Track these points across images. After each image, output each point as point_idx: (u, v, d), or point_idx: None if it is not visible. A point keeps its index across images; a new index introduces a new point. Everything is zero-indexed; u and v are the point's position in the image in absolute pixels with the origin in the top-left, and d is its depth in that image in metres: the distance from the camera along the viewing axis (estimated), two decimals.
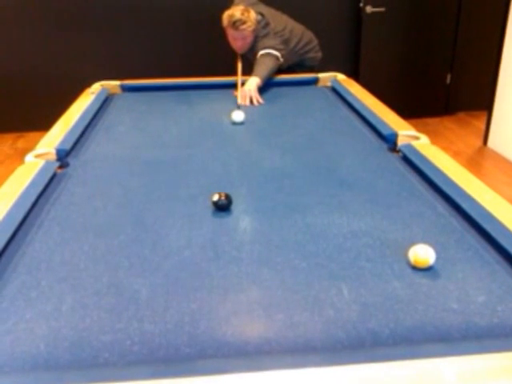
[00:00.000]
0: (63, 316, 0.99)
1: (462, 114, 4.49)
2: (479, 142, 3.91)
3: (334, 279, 1.08)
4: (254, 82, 2.47)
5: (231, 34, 2.73)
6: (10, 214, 1.31)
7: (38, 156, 1.71)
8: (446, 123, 4.35)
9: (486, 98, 3.85)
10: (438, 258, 1.12)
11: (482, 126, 3.94)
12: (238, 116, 2.09)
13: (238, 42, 2.74)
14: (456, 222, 1.29)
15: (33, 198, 1.42)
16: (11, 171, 1.60)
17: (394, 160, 1.69)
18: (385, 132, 1.83)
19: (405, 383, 0.78)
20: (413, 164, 1.61)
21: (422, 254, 1.10)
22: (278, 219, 1.34)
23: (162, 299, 1.03)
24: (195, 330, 0.95)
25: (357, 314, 0.97)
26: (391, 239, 1.23)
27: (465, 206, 1.31)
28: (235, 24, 2.64)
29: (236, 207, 1.40)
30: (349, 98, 2.30)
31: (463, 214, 1.30)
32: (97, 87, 2.58)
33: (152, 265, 1.15)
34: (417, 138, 1.76)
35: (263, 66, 2.61)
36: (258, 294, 1.05)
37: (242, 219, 1.35)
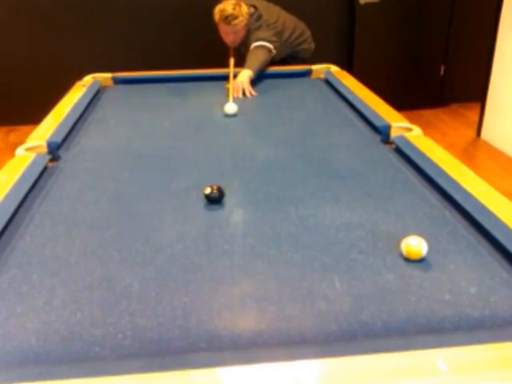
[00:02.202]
0: (54, 310, 0.99)
1: (455, 106, 4.49)
2: (472, 134, 3.92)
3: (326, 271, 1.08)
4: (246, 75, 2.46)
5: (223, 28, 2.71)
6: (0, 208, 1.30)
7: (28, 149, 1.69)
8: (440, 115, 4.35)
9: (479, 90, 3.85)
10: (430, 250, 1.12)
11: (476, 118, 3.94)
12: (230, 108, 2.08)
13: (229, 36, 2.72)
14: (449, 214, 1.29)
15: (24, 192, 1.41)
16: (2, 165, 1.58)
17: (387, 152, 1.68)
18: (378, 124, 1.82)
19: (398, 375, 0.79)
20: (406, 156, 1.60)
21: (415, 245, 1.10)
22: (270, 212, 1.34)
23: (153, 293, 1.03)
24: (187, 324, 0.94)
25: (349, 306, 0.97)
26: (384, 231, 1.23)
27: (458, 197, 1.31)
28: (227, 19, 2.62)
29: (228, 200, 1.40)
30: (342, 90, 2.29)
31: (456, 205, 1.31)
32: (88, 80, 2.56)
33: (144, 258, 1.15)
34: (410, 130, 1.76)
35: (256, 58, 2.60)
36: (251, 286, 1.04)
37: (234, 212, 1.35)
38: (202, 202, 1.38)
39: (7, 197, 1.36)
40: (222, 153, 1.73)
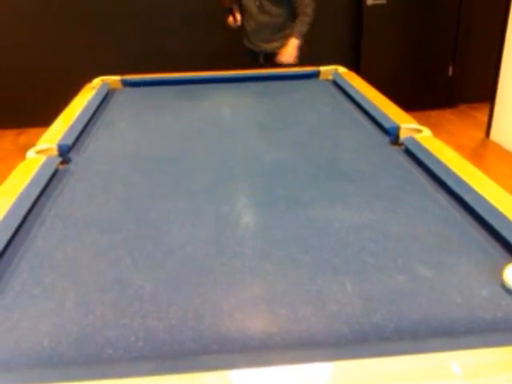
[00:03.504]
0: (66, 312, 0.99)
1: (464, 107, 4.48)
2: (481, 135, 3.90)
3: (336, 274, 1.08)
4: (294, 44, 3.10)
5: None
6: (11, 211, 1.31)
7: (39, 152, 1.70)
8: (448, 116, 4.34)
9: (488, 90, 3.84)
10: (441, 251, 1.11)
11: (485, 119, 3.92)
12: None
13: None
14: (459, 215, 1.29)
15: (35, 195, 1.42)
16: (13, 167, 1.59)
17: (396, 153, 1.68)
18: (387, 125, 1.82)
19: (410, 378, 0.78)
20: (415, 157, 1.60)
21: None
22: (279, 214, 1.34)
23: (165, 295, 1.03)
24: (199, 326, 0.94)
25: (360, 309, 0.97)
26: (394, 233, 1.23)
27: (468, 198, 1.31)
28: None
29: (238, 202, 1.40)
30: (350, 91, 2.29)
31: (466, 207, 1.30)
32: (97, 82, 2.57)
33: (155, 261, 1.15)
34: (419, 131, 1.75)
35: (301, 25, 3.12)
36: (261, 288, 1.05)
37: (244, 214, 1.35)
38: (213, 204, 1.38)
39: (18, 199, 1.37)
40: (230, 155, 1.74)
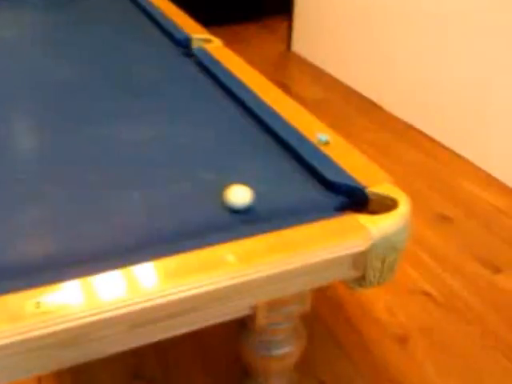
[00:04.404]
0: None
1: (267, 20, 4.61)
2: (284, 47, 4.08)
3: (123, 188, 1.07)
4: None
5: None
6: None
7: None
8: (252, 29, 4.43)
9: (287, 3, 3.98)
10: (223, 156, 1.16)
11: (286, 32, 4.09)
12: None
13: None
14: (244, 121, 1.34)
15: None
16: None
17: (188, 64, 1.68)
18: (178, 36, 1.80)
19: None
20: (206, 68, 1.62)
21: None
22: (65, 134, 1.27)
23: None
24: None
25: (146, 218, 0.99)
26: (182, 143, 1.24)
27: (253, 106, 1.36)
28: None
29: (20, 123, 1.29)
30: (142, 3, 2.19)
31: (253, 115, 1.36)
32: None
33: None
34: (210, 42, 1.76)
35: None
36: (43, 212, 1.00)
37: (26, 135, 1.26)
38: None
39: None
40: (13, 76, 1.57)
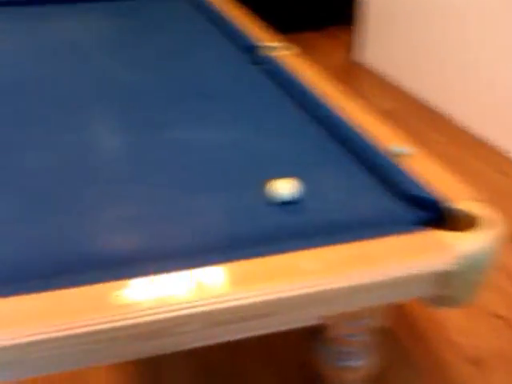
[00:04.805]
0: None
1: (332, 29, 4.56)
2: (348, 56, 4.04)
3: (203, 191, 1.08)
4: None
5: None
6: None
7: None
8: (316, 38, 4.40)
9: (352, 13, 3.96)
10: (300, 164, 1.16)
11: (352, 40, 4.06)
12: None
13: None
14: (318, 131, 1.33)
15: None
16: None
17: (257, 72, 1.68)
18: (247, 43, 1.80)
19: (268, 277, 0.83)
20: (275, 75, 1.62)
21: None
22: (137, 138, 1.29)
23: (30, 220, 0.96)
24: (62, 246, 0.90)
25: (225, 221, 0.99)
26: (256, 150, 1.24)
27: (324, 112, 1.35)
28: None
29: (91, 127, 1.33)
30: (211, 9, 2.22)
31: (324, 122, 1.35)
32: None
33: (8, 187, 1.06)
34: (280, 50, 1.76)
35: None
36: (124, 210, 1.02)
37: (99, 139, 1.29)
38: (63, 128, 1.30)
39: None
40: (81, 79, 1.62)
